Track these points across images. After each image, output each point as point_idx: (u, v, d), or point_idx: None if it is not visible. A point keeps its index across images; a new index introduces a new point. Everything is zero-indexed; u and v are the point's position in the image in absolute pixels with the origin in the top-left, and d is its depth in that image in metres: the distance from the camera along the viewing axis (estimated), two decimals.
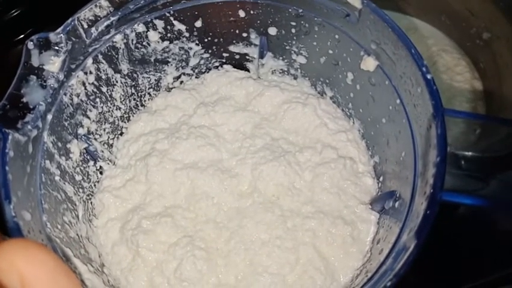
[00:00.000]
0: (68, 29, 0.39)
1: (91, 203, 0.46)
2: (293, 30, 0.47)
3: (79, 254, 0.38)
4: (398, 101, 0.38)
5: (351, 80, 0.45)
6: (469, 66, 0.68)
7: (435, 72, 0.68)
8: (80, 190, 0.44)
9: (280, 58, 0.51)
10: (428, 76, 0.33)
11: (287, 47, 0.49)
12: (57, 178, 0.40)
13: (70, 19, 0.39)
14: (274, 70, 0.53)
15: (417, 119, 0.35)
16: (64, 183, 0.41)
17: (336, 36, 0.43)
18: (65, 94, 0.41)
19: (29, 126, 0.36)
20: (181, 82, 0.54)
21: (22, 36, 0.67)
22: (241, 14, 0.47)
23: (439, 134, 0.31)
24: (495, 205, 0.31)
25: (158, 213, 0.44)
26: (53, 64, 0.39)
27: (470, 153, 0.36)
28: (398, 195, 0.38)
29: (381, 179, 0.45)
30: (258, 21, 0.47)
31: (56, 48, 0.38)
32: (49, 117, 0.39)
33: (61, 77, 0.39)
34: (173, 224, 0.43)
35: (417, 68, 0.34)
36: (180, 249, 0.42)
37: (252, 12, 0.46)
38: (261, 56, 0.51)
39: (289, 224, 0.43)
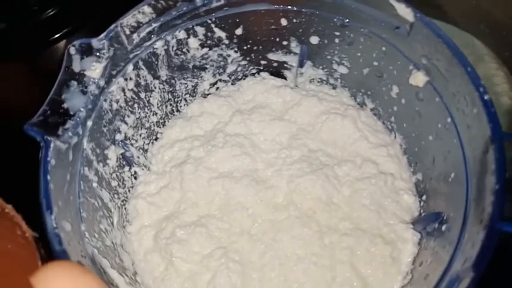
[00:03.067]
0: (111, 35, 0.38)
1: (125, 208, 0.45)
2: (336, 40, 0.45)
3: (114, 263, 0.38)
4: (448, 120, 0.36)
5: (396, 93, 0.44)
6: (507, 77, 0.66)
7: None
8: (116, 196, 0.44)
9: (320, 67, 0.50)
10: (486, 97, 0.32)
11: (328, 57, 0.48)
12: (95, 185, 0.40)
13: (113, 25, 0.38)
14: (313, 79, 0.52)
15: (471, 141, 0.33)
16: (101, 190, 0.41)
17: (383, 49, 0.42)
18: (105, 100, 0.40)
19: (70, 133, 0.35)
20: (217, 88, 0.53)
21: (58, 35, 0.68)
22: (283, 22, 0.46)
23: (498, 160, 0.30)
24: None
25: (192, 223, 0.44)
26: (94, 70, 0.38)
27: None
28: (445, 217, 0.37)
29: (423, 197, 0.43)
30: (300, 30, 0.46)
31: (98, 54, 0.38)
32: (89, 123, 0.38)
33: (102, 83, 0.39)
34: (207, 235, 0.43)
35: (473, 88, 0.32)
36: (214, 261, 0.41)
37: (294, 20, 0.45)
38: (301, 64, 0.50)
39: (327, 241, 0.42)
